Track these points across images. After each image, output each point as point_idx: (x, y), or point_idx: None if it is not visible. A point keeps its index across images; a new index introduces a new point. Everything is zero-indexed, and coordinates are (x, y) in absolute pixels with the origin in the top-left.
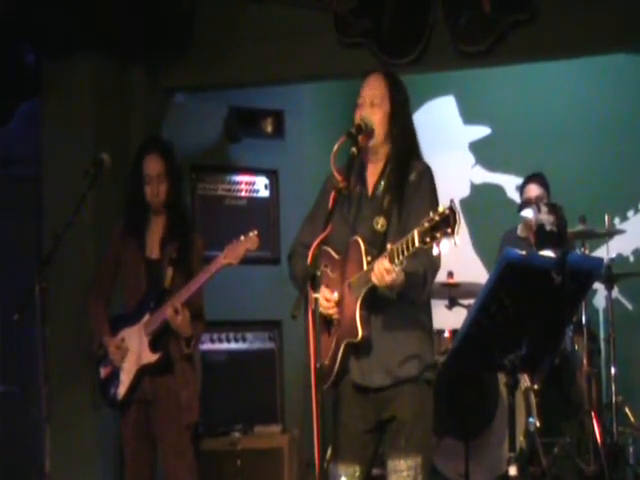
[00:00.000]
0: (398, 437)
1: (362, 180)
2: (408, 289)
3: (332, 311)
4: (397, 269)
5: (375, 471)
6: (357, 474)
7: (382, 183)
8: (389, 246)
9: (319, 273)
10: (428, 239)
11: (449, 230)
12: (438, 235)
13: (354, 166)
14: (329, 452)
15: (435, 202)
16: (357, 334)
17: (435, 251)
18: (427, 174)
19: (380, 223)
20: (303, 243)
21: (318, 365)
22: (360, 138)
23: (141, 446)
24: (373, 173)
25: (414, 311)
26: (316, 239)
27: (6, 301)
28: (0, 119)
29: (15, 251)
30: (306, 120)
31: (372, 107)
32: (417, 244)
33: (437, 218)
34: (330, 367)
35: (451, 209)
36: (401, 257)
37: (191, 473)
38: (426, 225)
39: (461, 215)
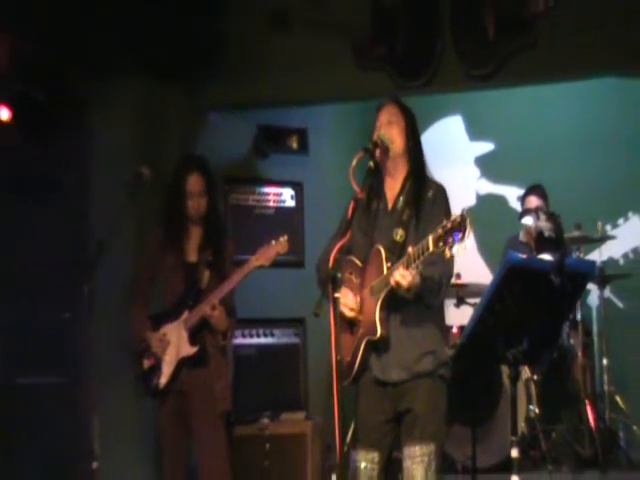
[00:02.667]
0: (414, 428)
1: (380, 194)
2: (424, 292)
3: (352, 315)
4: (413, 272)
5: (395, 454)
6: (376, 460)
7: (402, 198)
8: (409, 250)
9: (339, 275)
10: (441, 244)
11: (460, 235)
12: (450, 240)
13: (372, 179)
14: (349, 437)
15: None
16: (376, 332)
17: (447, 254)
18: (442, 193)
19: (399, 234)
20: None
21: (339, 358)
22: (377, 153)
23: (177, 433)
24: (392, 188)
25: (429, 313)
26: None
27: (56, 301)
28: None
29: (62, 256)
30: (328, 137)
31: (390, 124)
32: (431, 249)
33: (449, 225)
34: (351, 364)
35: (462, 216)
36: (417, 261)
37: (223, 458)
38: (440, 231)
39: (470, 222)
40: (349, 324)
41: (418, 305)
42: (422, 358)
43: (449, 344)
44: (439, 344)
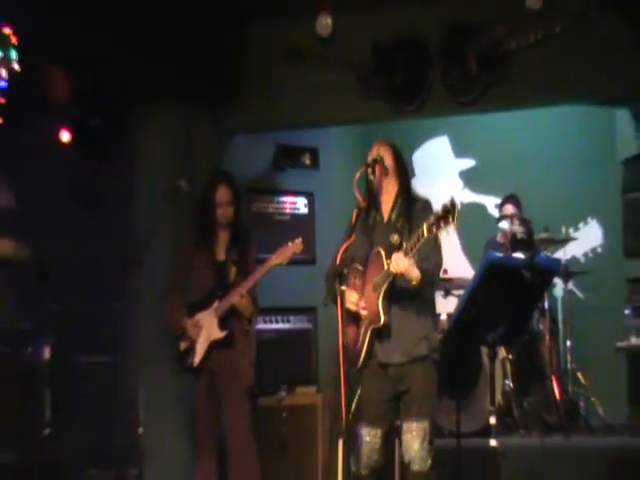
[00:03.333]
0: (411, 406)
1: (377, 208)
2: (424, 284)
3: (356, 308)
4: (410, 260)
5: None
6: (379, 434)
7: (395, 211)
8: (405, 244)
9: (345, 271)
10: (434, 229)
11: (450, 219)
12: (442, 224)
13: (371, 192)
14: (353, 407)
15: None
16: (380, 320)
17: (439, 238)
18: (429, 206)
19: (395, 239)
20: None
21: (345, 342)
22: (377, 168)
23: (209, 404)
24: (386, 203)
25: (423, 305)
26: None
27: (107, 292)
28: (100, 156)
29: (112, 255)
30: (335, 154)
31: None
32: (426, 234)
33: (441, 212)
34: (358, 352)
35: (451, 202)
36: (414, 249)
37: (247, 425)
38: (432, 219)
39: (458, 208)
40: (354, 319)
41: (414, 298)
42: (419, 343)
43: (438, 330)
44: (431, 331)
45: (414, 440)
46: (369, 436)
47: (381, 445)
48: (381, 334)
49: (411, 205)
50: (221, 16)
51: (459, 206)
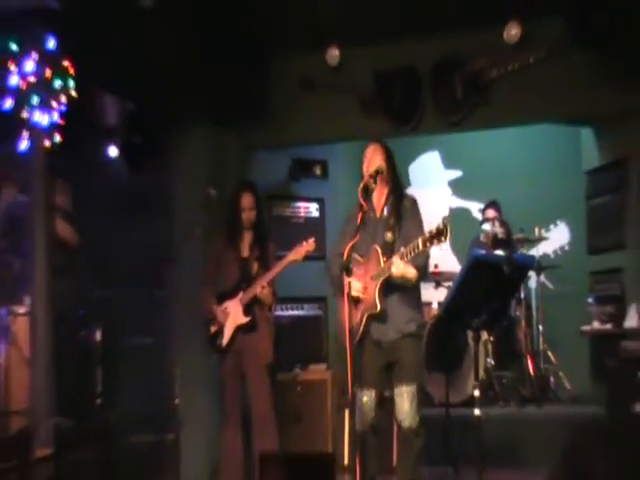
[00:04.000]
0: (402, 373)
1: (371, 206)
2: (419, 279)
3: (359, 294)
4: (408, 264)
5: (386, 393)
6: (373, 395)
7: (386, 208)
8: (402, 249)
9: (350, 266)
10: (428, 244)
11: (442, 238)
12: (435, 241)
13: (369, 197)
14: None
15: (421, 221)
16: (377, 307)
17: (430, 250)
18: (416, 203)
19: (389, 237)
20: (337, 253)
21: (351, 327)
22: (379, 179)
23: (234, 379)
24: (379, 202)
25: (412, 294)
26: (345, 248)
27: (149, 285)
28: (143, 169)
29: (153, 253)
30: (342, 166)
31: (374, 155)
32: (421, 247)
33: (435, 230)
34: (356, 330)
35: (444, 224)
36: (409, 256)
37: (268, 397)
38: (427, 235)
39: (450, 229)
40: (354, 301)
41: (405, 289)
42: (409, 322)
43: (430, 316)
44: (419, 313)
45: (404, 402)
46: (366, 397)
47: (376, 405)
48: (377, 318)
49: (400, 203)
50: (246, 52)
51: (450, 227)
